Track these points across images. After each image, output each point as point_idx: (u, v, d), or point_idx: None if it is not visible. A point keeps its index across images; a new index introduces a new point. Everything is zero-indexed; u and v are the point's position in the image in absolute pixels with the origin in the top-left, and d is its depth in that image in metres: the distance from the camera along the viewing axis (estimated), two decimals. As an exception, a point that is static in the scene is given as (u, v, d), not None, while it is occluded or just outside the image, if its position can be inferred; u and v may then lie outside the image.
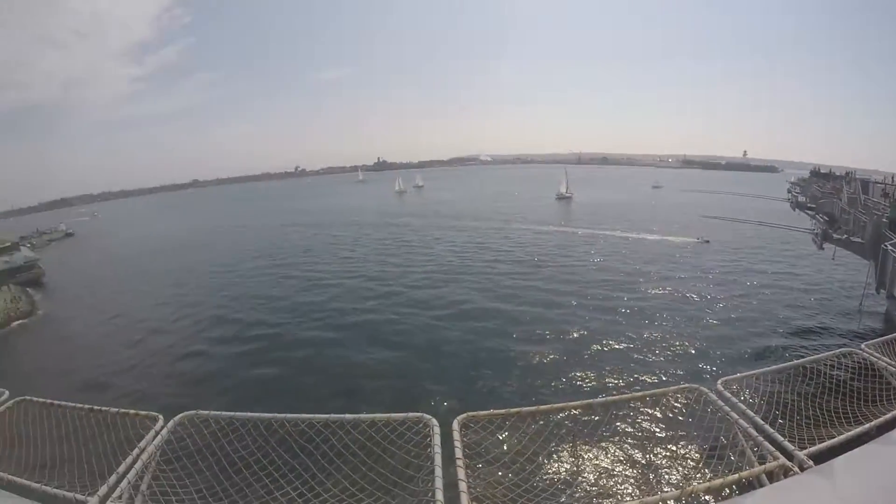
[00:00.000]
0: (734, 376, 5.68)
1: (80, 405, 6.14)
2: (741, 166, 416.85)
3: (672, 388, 5.77)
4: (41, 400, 6.47)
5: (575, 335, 35.99)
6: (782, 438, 4.67)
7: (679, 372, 29.66)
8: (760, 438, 4.66)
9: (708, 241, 68.86)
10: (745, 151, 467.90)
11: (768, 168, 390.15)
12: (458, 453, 4.52)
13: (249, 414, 5.36)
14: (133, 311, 56.44)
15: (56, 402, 6.35)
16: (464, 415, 4.93)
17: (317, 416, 5.14)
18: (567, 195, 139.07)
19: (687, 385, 5.62)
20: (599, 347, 33.75)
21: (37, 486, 4.88)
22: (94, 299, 67.36)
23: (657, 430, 22.06)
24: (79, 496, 4.57)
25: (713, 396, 5.36)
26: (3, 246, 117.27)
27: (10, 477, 5.10)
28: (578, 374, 30.03)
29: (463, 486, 4.12)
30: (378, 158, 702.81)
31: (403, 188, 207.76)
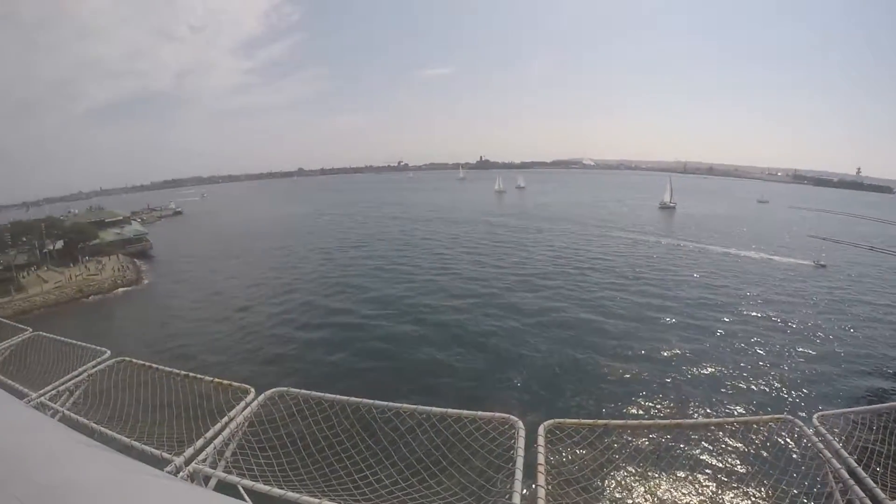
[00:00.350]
0: (832, 412, 5.16)
1: (177, 371, 6.48)
2: (854, 184, 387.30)
3: (765, 417, 5.29)
4: (139, 362, 6.89)
5: (665, 353, 34.49)
6: (874, 485, 4.19)
7: (771, 401, 27.93)
8: (851, 482, 4.20)
9: (825, 266, 63.52)
10: (858, 169, 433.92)
11: (883, 188, 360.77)
12: (541, 459, 4.34)
13: (338, 396, 5.43)
14: (230, 288, 60.25)
15: (154, 365, 6.72)
16: (551, 421, 4.75)
17: (404, 405, 5.13)
18: (671, 205, 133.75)
19: (781, 416, 5.13)
20: (690, 367, 32.21)
21: (126, 440, 5.21)
22: (196, 274, 72.58)
23: (742, 458, 20.82)
24: (165, 454, 4.83)
25: (807, 431, 4.89)
26: (116, 219, 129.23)
27: (102, 429, 5.49)
28: (666, 393, 28.89)
29: (542, 492, 3.96)
30: (480, 157, 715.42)
31: (503, 188, 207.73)
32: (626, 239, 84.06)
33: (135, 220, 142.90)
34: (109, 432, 5.38)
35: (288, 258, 77.50)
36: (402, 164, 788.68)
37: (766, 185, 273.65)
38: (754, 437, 18.56)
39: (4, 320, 10.80)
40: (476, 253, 72.13)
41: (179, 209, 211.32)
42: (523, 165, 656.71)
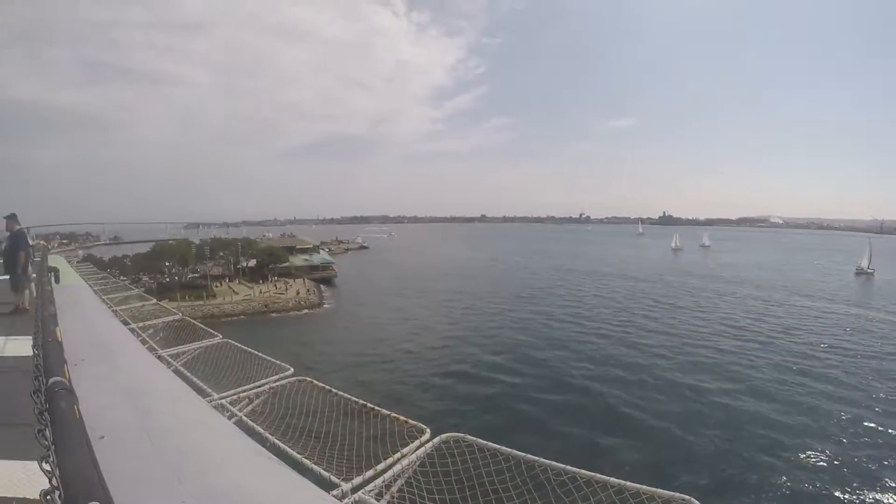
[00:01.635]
0: None
1: (356, 399, 6.84)
2: None
3: None
4: (320, 384, 7.38)
5: (849, 453, 29.27)
6: None
7: None
8: None
9: None
10: None
11: None
12: None
13: (515, 451, 5.39)
14: (402, 328, 63.10)
15: (334, 389, 7.16)
16: None
17: (582, 471, 4.95)
18: (868, 270, 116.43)
19: None
20: (875, 480, 26.73)
21: (297, 456, 5.49)
22: (373, 308, 77.86)
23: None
24: (333, 478, 5.01)
25: None
26: (306, 247, 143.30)
27: (275, 440, 5.85)
28: (848, 498, 24.98)
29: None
30: (663, 212, 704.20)
31: (679, 245, 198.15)
32: (812, 308, 72.76)
33: (323, 249, 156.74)
34: (282, 445, 5.65)
35: (460, 304, 78.79)
36: (583, 216, 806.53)
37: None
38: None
39: (199, 324, 12.31)
40: (647, 317, 66.72)
41: (366, 244, 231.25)
42: (709, 222, 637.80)
